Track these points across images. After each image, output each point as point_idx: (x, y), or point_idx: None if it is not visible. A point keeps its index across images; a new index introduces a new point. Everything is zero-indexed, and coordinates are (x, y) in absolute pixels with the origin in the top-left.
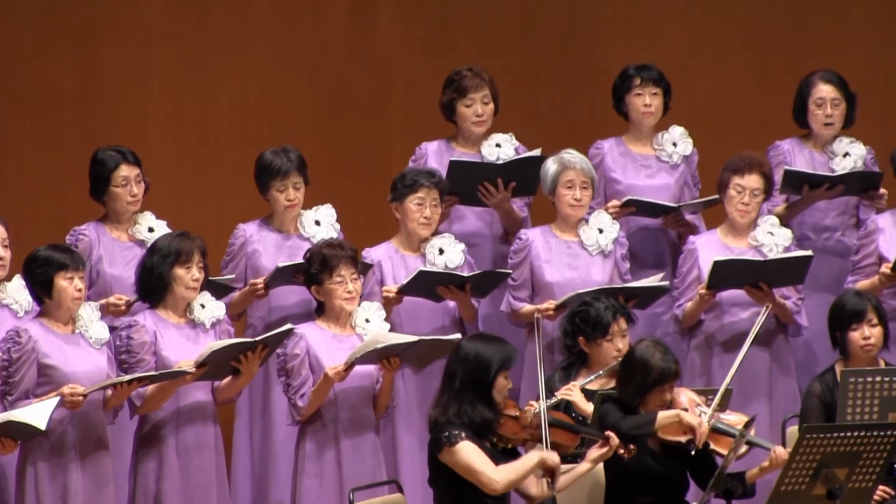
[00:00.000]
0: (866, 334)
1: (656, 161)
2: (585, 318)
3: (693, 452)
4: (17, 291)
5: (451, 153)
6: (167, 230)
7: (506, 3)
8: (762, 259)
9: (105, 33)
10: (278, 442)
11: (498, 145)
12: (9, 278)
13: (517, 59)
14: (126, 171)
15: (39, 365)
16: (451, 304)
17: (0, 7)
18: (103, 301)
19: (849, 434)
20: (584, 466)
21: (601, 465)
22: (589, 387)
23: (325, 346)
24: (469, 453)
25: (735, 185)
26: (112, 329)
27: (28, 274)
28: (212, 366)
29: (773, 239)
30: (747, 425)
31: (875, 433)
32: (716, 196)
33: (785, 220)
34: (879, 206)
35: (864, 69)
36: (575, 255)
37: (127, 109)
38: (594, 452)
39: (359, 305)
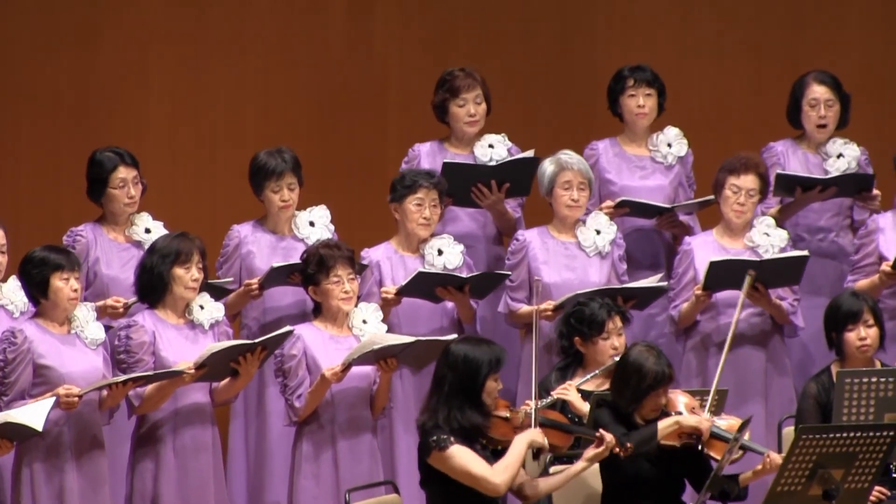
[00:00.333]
0: (862, 335)
1: (651, 162)
2: (580, 318)
3: (700, 448)
4: (13, 292)
5: (443, 154)
6: (164, 231)
7: (502, 4)
8: (758, 259)
9: (103, 33)
10: (273, 443)
11: (491, 146)
12: (5, 279)
13: (514, 60)
14: (124, 172)
15: (35, 365)
16: (450, 305)
17: None
18: (101, 303)
19: (845, 435)
20: (578, 465)
21: (598, 470)
22: (585, 387)
23: (322, 346)
24: (464, 458)
25: (731, 185)
26: (107, 329)
27: (24, 274)
28: (211, 367)
29: (769, 240)
30: (742, 428)
31: (871, 434)
32: (710, 197)
33: (779, 222)
34: (873, 208)
35: (862, 70)
36: (572, 257)
37: (125, 110)
38: (590, 452)
39: (356, 306)
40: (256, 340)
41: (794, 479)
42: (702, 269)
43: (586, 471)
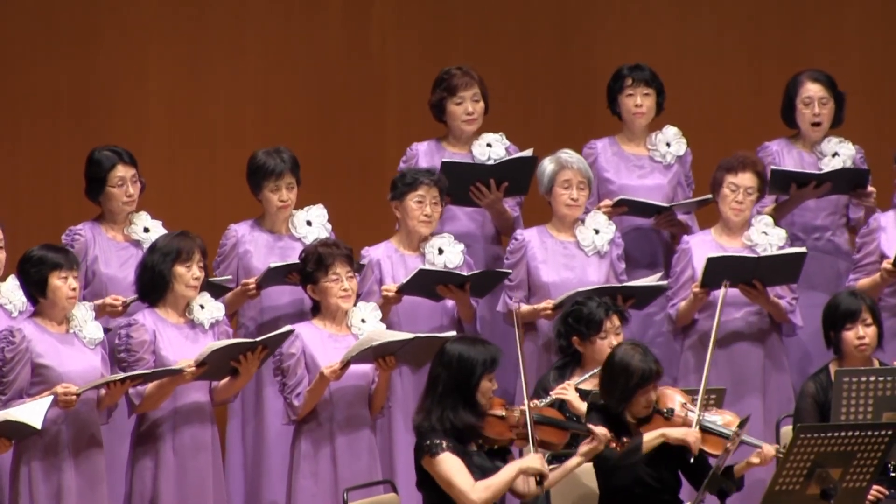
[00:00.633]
0: (861, 334)
1: (649, 161)
2: (578, 318)
3: (692, 460)
4: (12, 291)
5: (441, 153)
6: (162, 230)
7: (502, 4)
8: (756, 256)
9: (102, 33)
10: (271, 442)
11: (489, 145)
12: (3, 278)
13: (513, 59)
14: (122, 171)
15: (33, 364)
16: (450, 303)
17: None
18: (99, 301)
19: (843, 434)
20: (574, 461)
21: (593, 473)
22: (583, 386)
23: (320, 345)
24: (449, 467)
25: (729, 183)
26: (106, 331)
27: (22, 273)
28: (211, 366)
29: (767, 239)
30: (741, 426)
31: (869, 433)
32: (708, 196)
33: (775, 221)
34: (868, 204)
35: (861, 70)
36: (571, 256)
37: (123, 109)
38: (584, 447)
39: (355, 305)
40: (257, 339)
41: (793, 479)
42: (700, 268)
43: (585, 471)
